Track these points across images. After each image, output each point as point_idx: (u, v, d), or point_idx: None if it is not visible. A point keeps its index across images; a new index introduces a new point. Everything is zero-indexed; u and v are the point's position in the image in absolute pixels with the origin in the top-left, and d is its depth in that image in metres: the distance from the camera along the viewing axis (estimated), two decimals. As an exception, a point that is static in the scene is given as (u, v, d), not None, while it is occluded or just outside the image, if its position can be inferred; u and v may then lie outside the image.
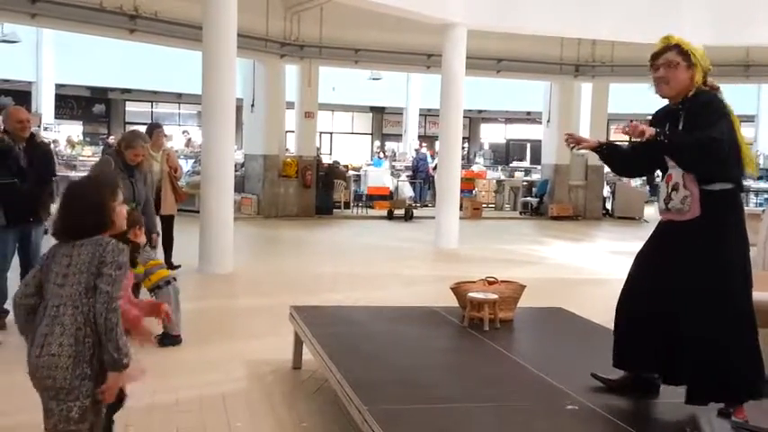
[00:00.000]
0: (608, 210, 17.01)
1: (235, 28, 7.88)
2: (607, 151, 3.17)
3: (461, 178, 14.66)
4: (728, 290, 2.87)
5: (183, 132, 19.13)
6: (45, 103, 18.57)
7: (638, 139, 2.89)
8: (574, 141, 3.22)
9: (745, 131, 22.90)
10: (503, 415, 2.99)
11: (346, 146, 25.08)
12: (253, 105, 14.29)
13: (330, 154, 22.69)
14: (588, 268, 9.36)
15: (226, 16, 7.76)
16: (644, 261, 3.13)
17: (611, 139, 18.06)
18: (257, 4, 12.74)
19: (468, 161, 23.55)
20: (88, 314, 2.24)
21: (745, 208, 14.87)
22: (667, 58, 3.01)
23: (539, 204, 16.61)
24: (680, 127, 2.97)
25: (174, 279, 4.99)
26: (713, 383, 2.83)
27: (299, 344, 4.48)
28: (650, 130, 2.86)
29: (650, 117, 3.19)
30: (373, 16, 11.55)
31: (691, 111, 2.96)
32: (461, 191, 14.35)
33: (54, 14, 10.94)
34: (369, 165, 18.54)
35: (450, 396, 3.18)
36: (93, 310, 2.22)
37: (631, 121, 2.96)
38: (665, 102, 3.12)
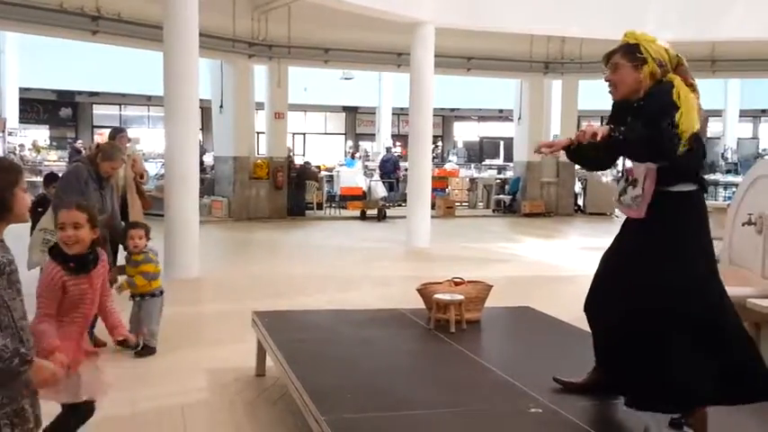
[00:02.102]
0: (580, 206, 17.12)
1: (196, 27, 7.74)
2: (577, 148, 3.11)
3: (434, 177, 14.65)
4: (670, 292, 2.75)
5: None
6: (9, 108, 18.15)
7: (593, 141, 2.83)
8: (546, 148, 3.15)
9: (713, 126, 23.08)
10: (464, 420, 2.91)
11: (320, 146, 24.93)
12: (221, 107, 14.11)
13: (303, 155, 22.52)
14: (560, 265, 9.36)
15: (185, 15, 7.61)
16: (605, 258, 3.08)
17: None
18: (223, 3, 12.58)
19: (441, 159, 23.56)
20: None
21: (713, 202, 14.93)
22: (613, 61, 2.97)
23: (511, 202, 16.65)
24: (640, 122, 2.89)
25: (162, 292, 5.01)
26: (651, 392, 2.72)
27: (262, 351, 4.38)
28: (602, 130, 2.79)
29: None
30: (342, 15, 11.46)
31: (647, 105, 2.88)
32: (434, 189, 14.33)
33: (12, 16, 10.68)
34: (341, 165, 18.44)
35: (411, 402, 3.10)
36: None
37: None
38: None
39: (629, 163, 3.03)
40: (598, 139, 2.79)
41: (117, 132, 7.38)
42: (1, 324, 2.06)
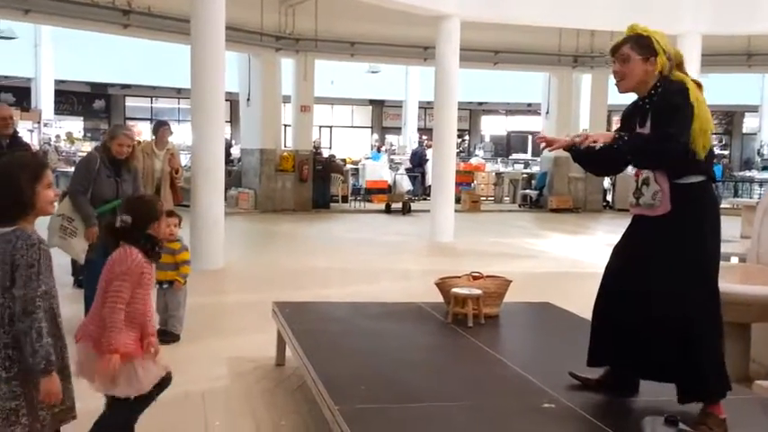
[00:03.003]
0: (608, 202, 16.92)
1: (222, 21, 7.82)
2: (579, 150, 3.10)
3: (460, 171, 14.58)
4: (702, 284, 2.80)
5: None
6: (45, 100, 18.54)
7: (594, 146, 2.84)
8: (545, 142, 3.15)
9: (749, 122, 22.56)
10: (475, 414, 2.93)
11: (346, 139, 25.01)
12: (249, 100, 14.24)
13: (330, 148, 22.61)
14: (585, 261, 9.28)
15: (212, 9, 7.70)
16: (619, 256, 3.07)
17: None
18: (252, -3, 12.69)
19: (468, 154, 23.46)
20: (2, 315, 2.16)
21: (745, 200, 14.61)
22: (621, 52, 2.93)
23: (538, 197, 16.53)
24: (648, 122, 2.88)
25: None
26: (687, 383, 2.78)
27: (282, 340, 4.44)
28: (604, 137, 2.79)
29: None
30: (368, 9, 11.48)
31: (657, 105, 2.87)
32: (460, 184, 14.27)
33: (47, 10, 10.92)
34: (367, 158, 18.49)
35: (424, 394, 3.13)
36: (9, 313, 2.15)
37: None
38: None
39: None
40: (598, 146, 2.78)
41: (160, 125, 7.42)
42: (42, 316, 2.16)
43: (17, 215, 2.20)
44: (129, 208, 2.92)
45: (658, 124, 2.81)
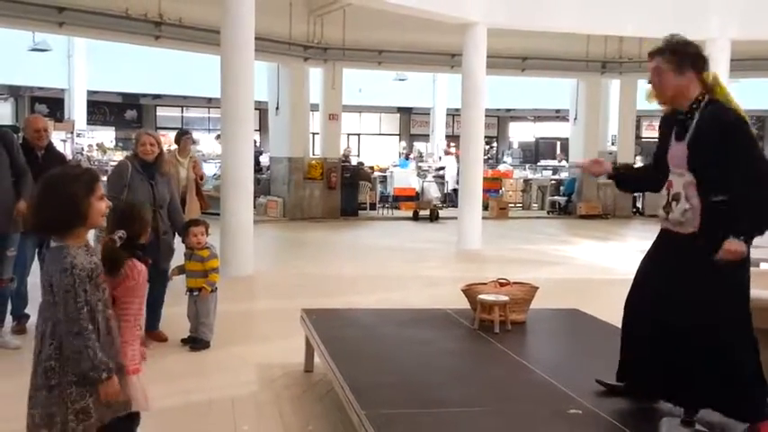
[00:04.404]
0: (638, 208, 16.71)
1: (252, 31, 7.94)
2: (622, 177, 3.15)
3: (488, 178, 14.55)
4: (734, 298, 2.76)
5: (217, 137, 19.40)
6: (77, 110, 18.95)
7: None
8: (596, 167, 3.24)
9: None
10: (501, 419, 2.94)
11: (374, 147, 25.10)
12: (277, 108, 14.39)
13: (358, 155, 22.71)
14: (614, 268, 9.19)
15: (242, 21, 7.83)
16: (647, 270, 3.03)
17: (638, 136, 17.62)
18: (280, 7, 12.84)
19: (496, 160, 23.38)
20: (45, 327, 2.23)
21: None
22: (655, 64, 2.88)
23: (567, 203, 16.41)
24: (687, 137, 2.83)
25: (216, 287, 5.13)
26: (721, 401, 2.75)
27: (310, 347, 4.48)
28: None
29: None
30: (396, 17, 11.54)
31: (704, 124, 2.80)
32: (488, 191, 14.24)
33: (81, 23, 11.16)
34: (395, 166, 18.53)
35: (451, 400, 3.15)
36: (52, 325, 2.21)
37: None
38: None
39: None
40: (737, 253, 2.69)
41: (182, 135, 7.59)
42: (91, 331, 2.21)
43: (70, 227, 2.24)
44: (117, 221, 2.80)
45: (708, 142, 2.75)
